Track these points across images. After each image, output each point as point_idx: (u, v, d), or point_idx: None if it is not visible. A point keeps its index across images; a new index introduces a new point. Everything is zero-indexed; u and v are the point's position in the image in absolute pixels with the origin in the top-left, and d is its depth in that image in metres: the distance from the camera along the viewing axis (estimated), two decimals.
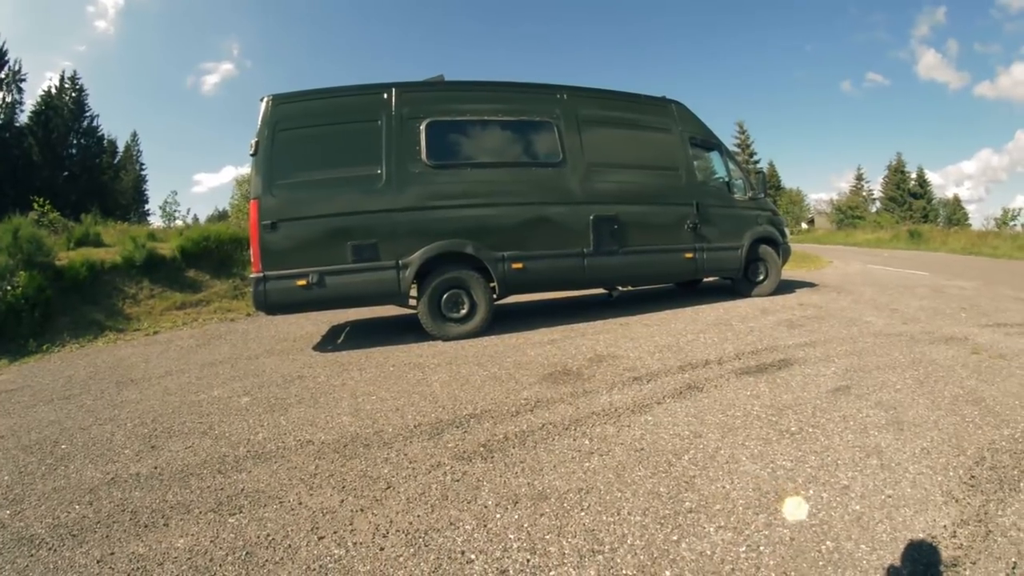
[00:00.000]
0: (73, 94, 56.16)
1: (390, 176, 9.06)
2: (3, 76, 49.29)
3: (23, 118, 51.28)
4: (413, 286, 9.24)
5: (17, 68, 50.24)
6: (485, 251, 9.34)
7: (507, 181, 9.80)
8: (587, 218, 10.01)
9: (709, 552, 3.14)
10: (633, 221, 10.40)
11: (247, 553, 3.35)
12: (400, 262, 8.96)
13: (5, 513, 4.07)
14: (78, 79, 56.92)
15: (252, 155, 8.84)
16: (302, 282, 8.61)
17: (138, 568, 3.27)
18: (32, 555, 3.48)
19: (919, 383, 5.89)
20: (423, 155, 9.25)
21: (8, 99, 49.57)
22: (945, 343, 7.53)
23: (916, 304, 10.79)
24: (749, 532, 3.31)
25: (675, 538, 3.28)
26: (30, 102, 53.17)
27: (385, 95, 9.37)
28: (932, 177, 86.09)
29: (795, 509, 3.53)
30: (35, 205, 17.76)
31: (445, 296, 9.32)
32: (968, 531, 3.24)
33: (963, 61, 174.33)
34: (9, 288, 10.99)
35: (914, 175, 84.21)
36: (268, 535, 3.53)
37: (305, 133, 9.04)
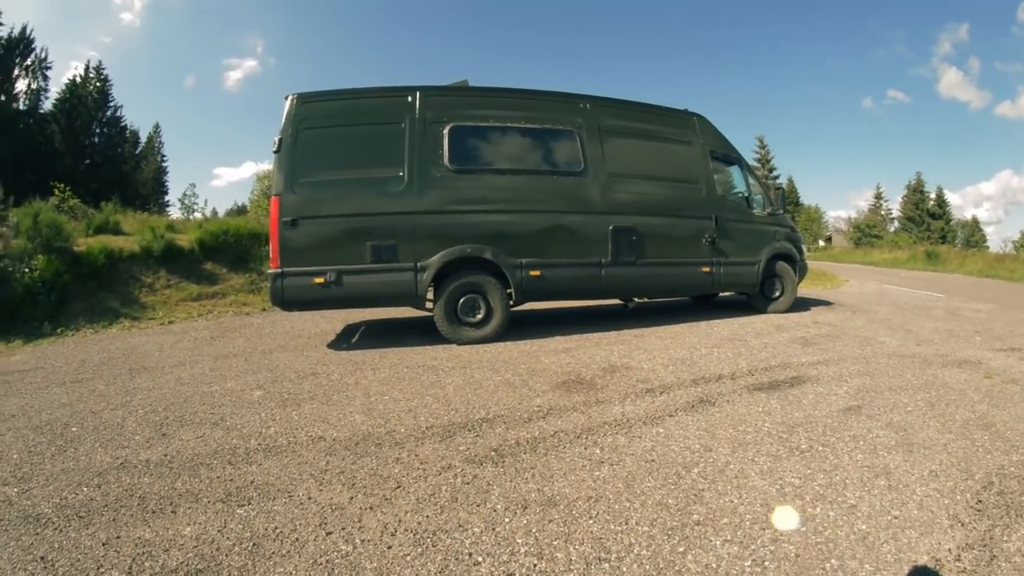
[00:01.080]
0: (98, 84, 56.57)
1: (412, 179, 9.09)
2: (29, 63, 49.69)
3: (47, 105, 51.72)
4: (430, 289, 9.26)
5: (44, 56, 50.72)
6: (503, 257, 9.36)
7: (528, 188, 9.80)
8: (606, 228, 10.03)
9: (715, 565, 3.14)
10: (652, 233, 10.41)
11: (254, 544, 3.36)
12: (418, 264, 8.99)
13: (13, 491, 4.10)
14: (103, 69, 57.42)
15: (275, 152, 8.88)
16: (319, 280, 8.65)
17: (144, 553, 3.28)
18: (38, 534, 3.50)
19: (930, 405, 5.87)
20: (445, 159, 9.28)
21: (33, 86, 50.06)
22: (958, 366, 7.51)
23: (931, 326, 10.78)
24: (755, 547, 3.30)
25: (681, 549, 3.28)
26: (55, 90, 53.61)
27: (409, 98, 9.41)
28: (951, 197, 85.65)
29: (786, 519, 3.54)
30: (56, 191, 17.85)
31: (462, 300, 9.34)
32: (972, 555, 3.22)
33: (985, 80, 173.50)
34: (27, 271, 11.13)
35: (933, 195, 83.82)
36: (276, 528, 3.55)
37: (328, 133, 9.09)
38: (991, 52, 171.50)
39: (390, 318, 12.21)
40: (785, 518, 3.58)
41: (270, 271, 8.78)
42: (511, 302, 9.65)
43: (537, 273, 9.59)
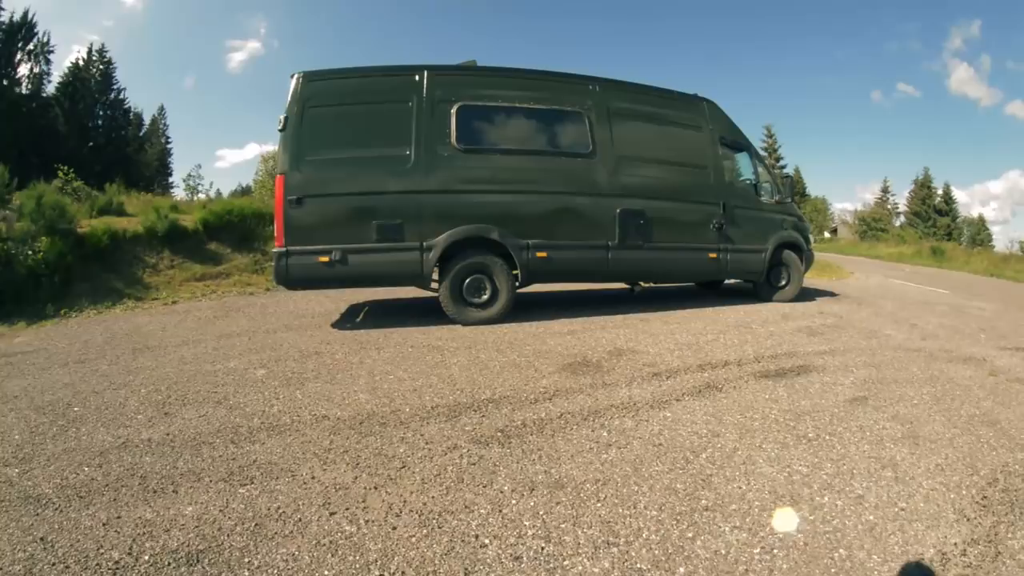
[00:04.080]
0: (100, 67, 56.69)
1: (419, 158, 9.04)
2: (31, 48, 49.69)
3: (50, 89, 51.72)
4: (436, 269, 9.22)
5: (46, 40, 50.71)
6: (510, 238, 9.32)
7: (535, 169, 9.78)
8: (613, 211, 9.98)
9: (724, 551, 3.13)
10: (659, 217, 10.38)
11: (256, 524, 3.34)
12: (424, 244, 8.95)
13: (14, 472, 4.07)
14: (106, 52, 57.53)
15: (280, 131, 8.84)
16: (324, 259, 8.61)
17: (144, 533, 3.26)
18: (38, 514, 3.47)
19: (936, 400, 5.85)
20: (453, 139, 9.22)
21: (36, 70, 50.07)
22: (963, 362, 7.47)
23: (936, 321, 10.71)
24: (764, 534, 3.30)
25: (690, 535, 3.27)
26: (57, 74, 53.58)
27: (417, 77, 9.34)
28: (958, 195, 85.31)
29: (786, 521, 3.51)
30: (59, 173, 17.78)
31: (467, 281, 9.30)
32: (978, 551, 3.22)
33: (995, 78, 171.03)
34: (30, 252, 11.09)
35: (940, 191, 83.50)
36: (279, 508, 3.52)
37: (335, 111, 9.04)
38: (1003, 50, 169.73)
39: (395, 298, 12.18)
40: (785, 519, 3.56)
41: (275, 250, 8.74)
42: (517, 283, 9.62)
43: (544, 255, 9.55)
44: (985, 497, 3.84)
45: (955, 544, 3.26)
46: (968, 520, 3.53)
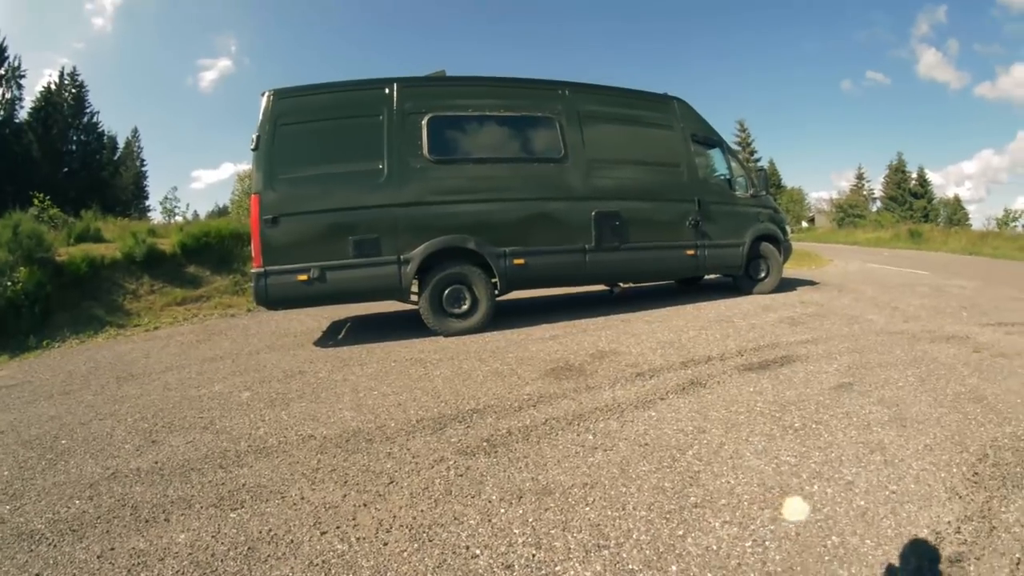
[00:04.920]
0: (73, 91, 56.08)
1: (392, 171, 9.03)
2: (3, 72, 49.22)
3: (23, 114, 51.25)
4: (415, 281, 9.21)
5: (17, 64, 50.17)
6: (487, 247, 9.32)
7: (509, 177, 9.80)
8: (589, 214, 10.01)
9: (715, 547, 3.13)
10: (635, 217, 10.41)
11: (249, 548, 3.33)
12: (402, 257, 8.93)
13: (5, 508, 4.04)
14: (78, 75, 56.89)
15: (253, 150, 8.79)
16: (303, 277, 8.58)
17: (138, 563, 3.24)
18: (32, 550, 3.45)
19: (921, 381, 5.87)
20: (425, 150, 9.23)
21: (8, 96, 49.51)
22: (946, 341, 7.51)
23: (917, 303, 10.78)
24: (755, 527, 3.30)
25: (681, 533, 3.27)
26: (29, 99, 53.07)
27: (387, 90, 9.34)
28: (933, 177, 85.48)
29: (795, 509, 3.51)
30: (35, 201, 17.65)
31: (447, 291, 9.29)
32: (972, 527, 3.23)
33: (963, 61, 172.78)
34: (9, 284, 11.00)
35: (915, 175, 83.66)
36: (270, 530, 3.51)
37: (307, 128, 9.01)
38: (969, 34, 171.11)
39: (376, 313, 12.16)
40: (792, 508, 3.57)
41: (253, 271, 8.72)
42: (496, 291, 9.61)
43: (521, 261, 9.56)
44: (976, 473, 3.86)
45: (948, 522, 3.28)
46: (960, 497, 3.55)
